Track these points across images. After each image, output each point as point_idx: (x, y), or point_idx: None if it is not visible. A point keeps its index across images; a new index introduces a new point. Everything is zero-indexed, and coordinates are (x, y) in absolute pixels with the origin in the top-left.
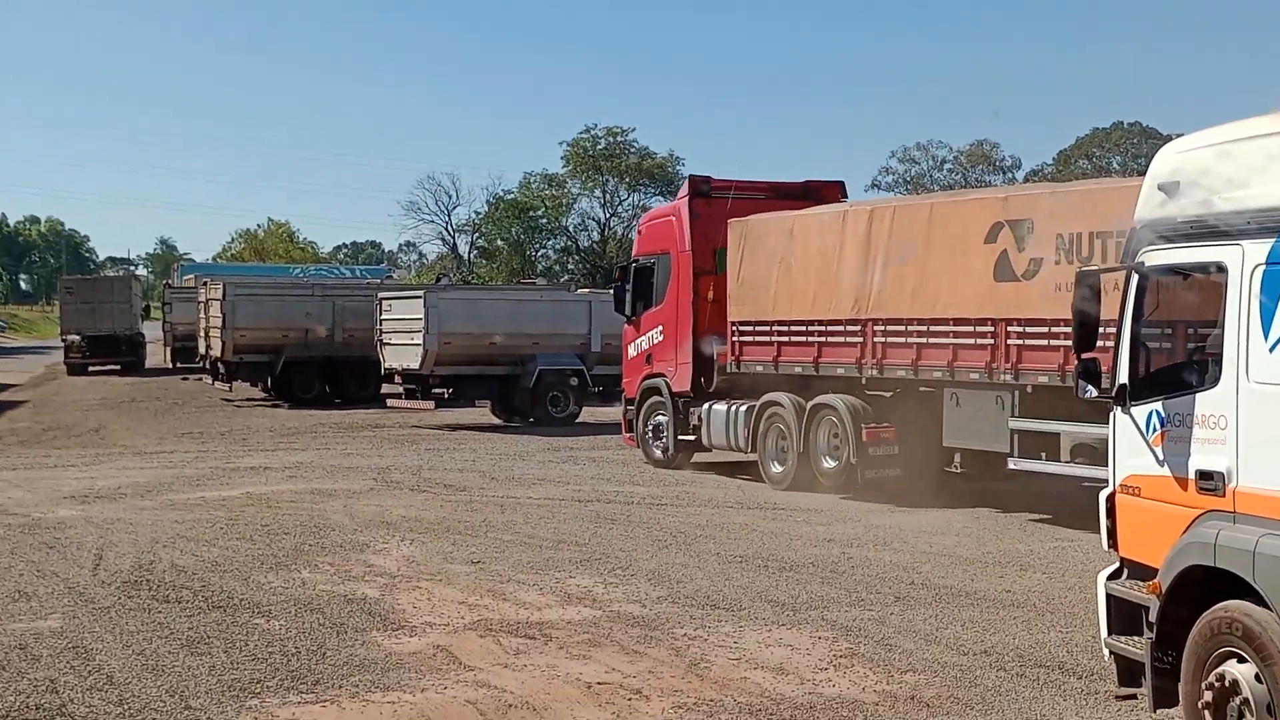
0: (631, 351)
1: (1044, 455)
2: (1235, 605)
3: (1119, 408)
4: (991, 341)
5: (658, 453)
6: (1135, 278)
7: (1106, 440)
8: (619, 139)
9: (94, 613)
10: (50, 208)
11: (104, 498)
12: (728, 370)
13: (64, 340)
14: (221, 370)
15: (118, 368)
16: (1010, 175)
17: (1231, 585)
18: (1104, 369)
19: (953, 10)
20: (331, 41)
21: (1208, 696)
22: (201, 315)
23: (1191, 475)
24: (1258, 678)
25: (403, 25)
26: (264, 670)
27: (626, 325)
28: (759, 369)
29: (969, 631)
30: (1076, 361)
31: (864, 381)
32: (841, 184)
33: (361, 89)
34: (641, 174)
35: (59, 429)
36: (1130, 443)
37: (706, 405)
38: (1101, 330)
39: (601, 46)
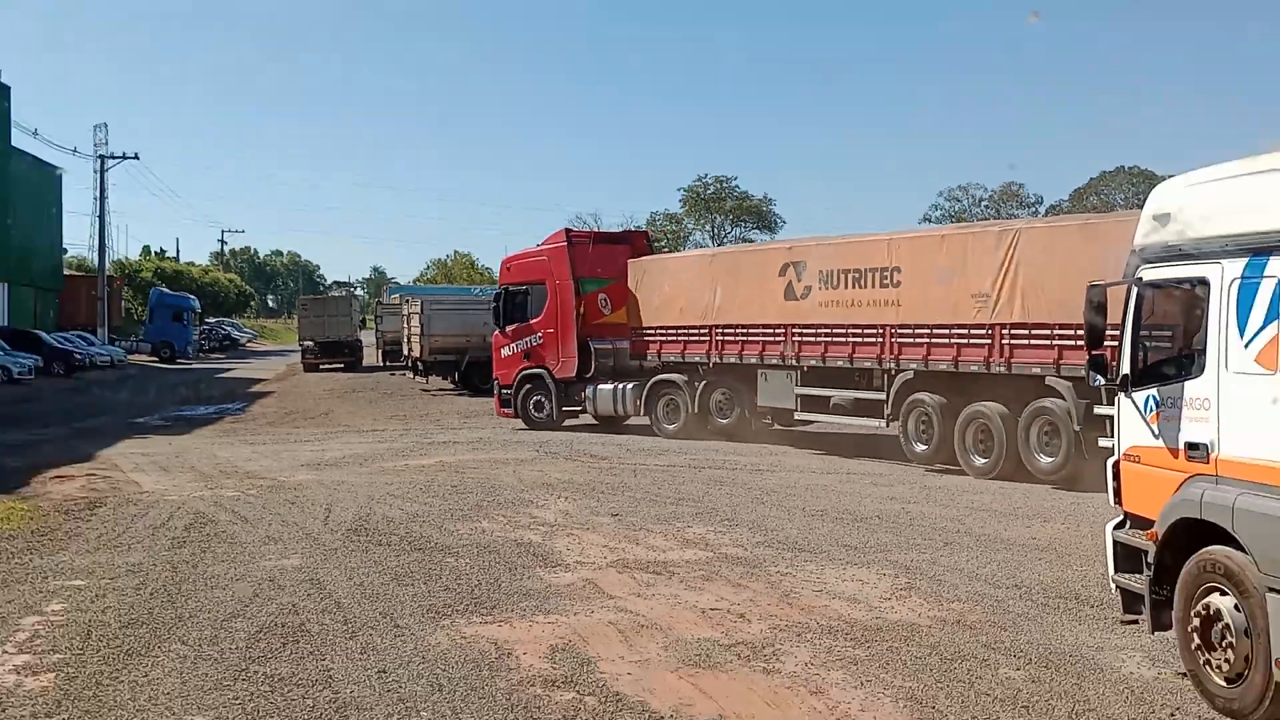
0: (506, 352)
1: (816, 410)
2: (1218, 550)
3: (1123, 393)
4: (783, 339)
5: (540, 420)
6: (1135, 290)
7: (856, 400)
8: (725, 185)
9: (324, 553)
10: (290, 243)
11: (332, 465)
12: (631, 361)
13: (301, 345)
14: (420, 367)
15: (341, 366)
16: (1034, 209)
17: (1214, 534)
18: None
19: (988, 69)
20: (500, 107)
21: (1195, 622)
22: (405, 325)
23: (1181, 446)
24: (1236, 607)
25: (561, 93)
26: (453, 598)
27: (498, 335)
28: (650, 358)
29: (1003, 570)
30: (1088, 357)
31: (710, 365)
32: (646, 233)
33: (525, 146)
34: (743, 212)
35: (297, 413)
36: (1132, 421)
37: (592, 386)
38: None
39: (712, 108)
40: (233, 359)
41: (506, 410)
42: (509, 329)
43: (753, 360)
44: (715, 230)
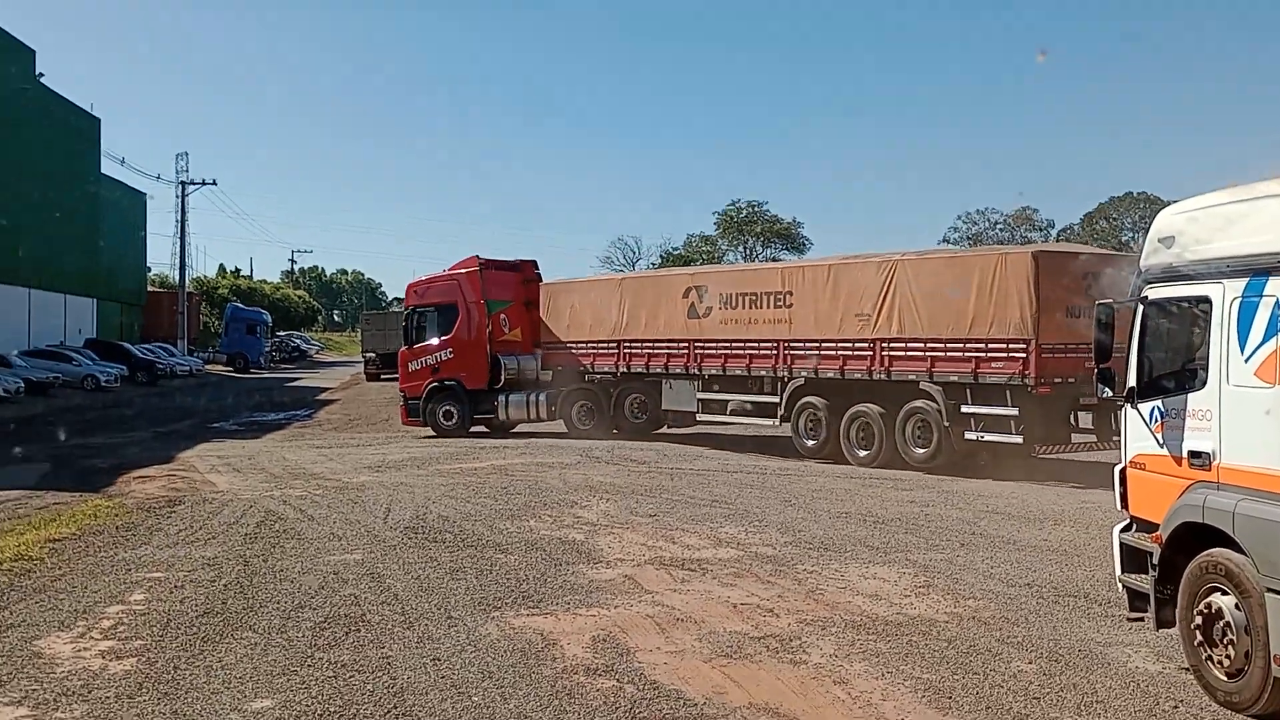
0: (414, 365)
1: (717, 413)
2: (1219, 552)
3: (1129, 404)
4: (687, 352)
5: (449, 428)
6: (1141, 308)
7: (752, 404)
8: (756, 209)
9: (384, 549)
10: (355, 262)
11: (391, 468)
12: (542, 372)
13: (364, 356)
14: None
15: None
16: (1045, 233)
17: (1215, 537)
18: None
19: (1004, 98)
20: (544, 142)
21: (1198, 620)
22: None
23: (1184, 454)
24: (1236, 606)
25: (602, 133)
26: (503, 591)
27: (405, 351)
28: (559, 368)
29: (1016, 570)
30: (1096, 370)
31: (618, 375)
32: (534, 261)
33: (568, 178)
34: (772, 235)
35: (360, 419)
36: (1137, 430)
37: (503, 395)
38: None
39: (748, 136)
40: (301, 369)
41: (414, 419)
42: (417, 346)
43: (658, 370)
44: (747, 251)
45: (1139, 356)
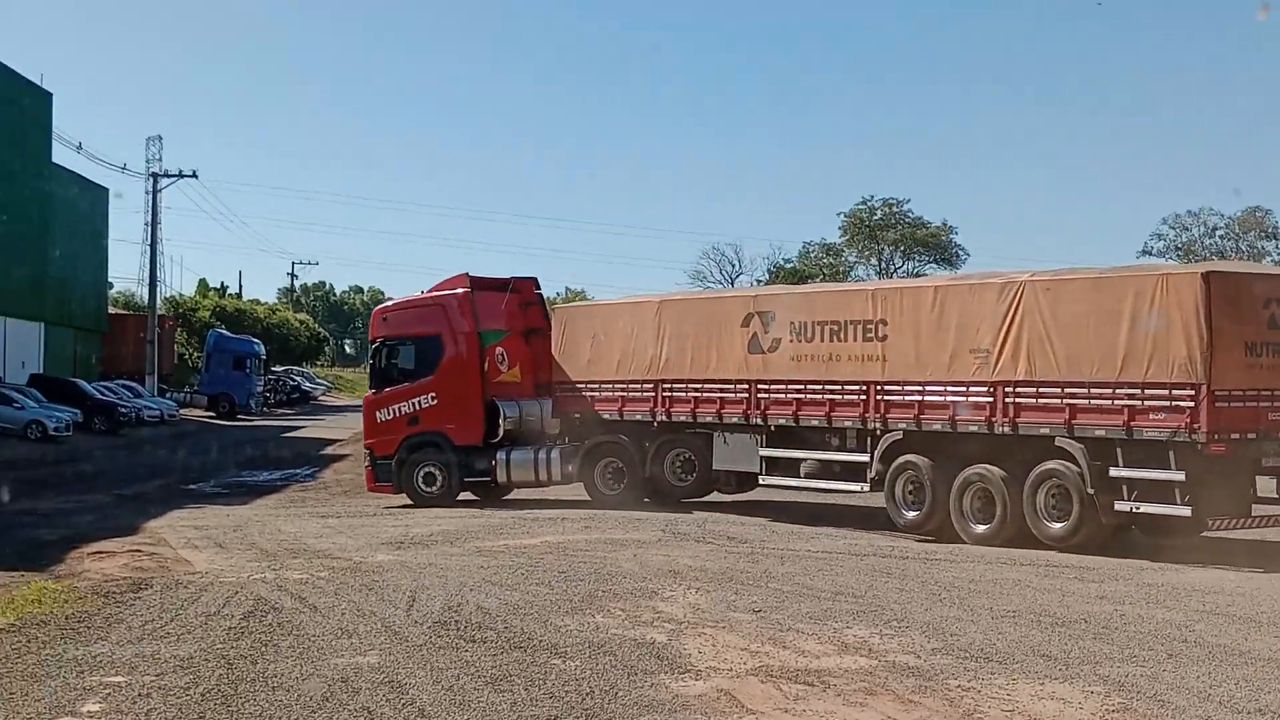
0: (384, 415)
1: (786, 474)
2: None
3: None
4: (747, 396)
5: (431, 495)
6: None
7: (830, 463)
8: (894, 209)
9: (407, 650)
10: (371, 277)
11: (417, 544)
12: (547, 420)
13: None
14: None
15: None
16: None
17: None
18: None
19: (1222, 84)
20: (623, 125)
21: None
22: None
23: None
24: None
25: (686, 107)
26: (560, 708)
27: (371, 396)
28: (577, 417)
29: (1243, 690)
30: None
31: (655, 425)
32: (535, 279)
33: (648, 169)
34: (915, 243)
35: None
36: None
37: (503, 452)
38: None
39: (878, 123)
40: (303, 415)
41: (384, 484)
42: (389, 390)
43: (709, 419)
44: (882, 264)
45: None
